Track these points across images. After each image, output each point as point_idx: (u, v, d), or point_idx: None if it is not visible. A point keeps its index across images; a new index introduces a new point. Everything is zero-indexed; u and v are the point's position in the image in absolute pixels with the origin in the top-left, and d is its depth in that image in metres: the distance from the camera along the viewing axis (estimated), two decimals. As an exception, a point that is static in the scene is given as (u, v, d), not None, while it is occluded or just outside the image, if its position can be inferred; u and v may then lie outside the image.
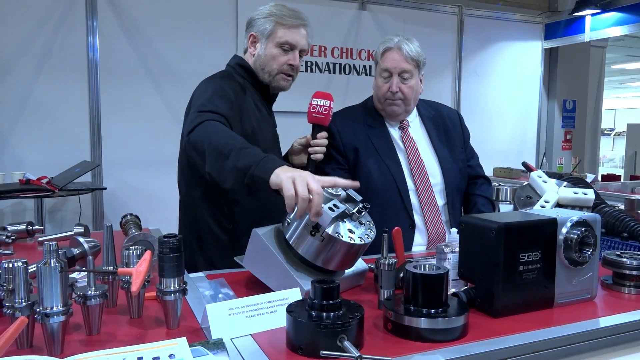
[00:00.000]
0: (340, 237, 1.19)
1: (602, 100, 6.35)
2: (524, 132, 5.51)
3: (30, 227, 1.90)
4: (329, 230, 1.18)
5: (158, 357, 0.88)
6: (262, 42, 1.68)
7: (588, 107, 6.03)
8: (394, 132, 1.90)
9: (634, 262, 1.32)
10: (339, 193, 1.27)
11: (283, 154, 1.87)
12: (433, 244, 1.82)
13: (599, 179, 4.83)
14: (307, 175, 1.16)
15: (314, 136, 1.71)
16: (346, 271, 1.32)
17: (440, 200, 1.85)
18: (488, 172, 5.08)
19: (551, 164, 5.60)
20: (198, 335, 1.04)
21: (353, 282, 1.35)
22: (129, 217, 1.91)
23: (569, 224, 1.20)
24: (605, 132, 13.87)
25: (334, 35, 4.38)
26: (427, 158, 1.88)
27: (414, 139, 1.89)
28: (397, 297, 1.13)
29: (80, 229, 1.81)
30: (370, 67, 4.55)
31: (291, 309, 0.99)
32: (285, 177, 1.15)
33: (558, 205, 1.55)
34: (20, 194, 2.95)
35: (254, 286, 1.32)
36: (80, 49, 3.63)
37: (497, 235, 1.12)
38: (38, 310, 0.92)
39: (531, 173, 1.64)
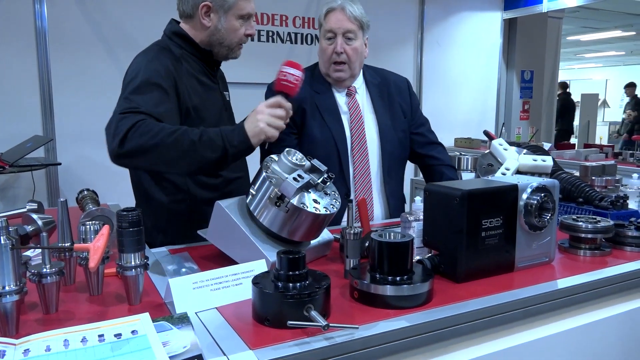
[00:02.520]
0: (305, 208, 1.18)
1: (558, 71, 6.50)
2: (484, 103, 5.59)
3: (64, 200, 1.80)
4: (294, 201, 1.17)
5: (120, 334, 0.86)
6: (220, 14, 1.56)
7: (545, 78, 6.16)
8: (340, 98, 1.88)
9: (589, 226, 1.37)
10: (304, 163, 1.25)
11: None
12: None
13: (555, 147, 4.98)
14: (262, 115, 1.36)
15: None
16: (312, 242, 1.31)
17: (374, 169, 1.85)
18: (449, 142, 5.22)
19: (510, 133, 5.73)
20: (162, 311, 1.02)
21: (319, 252, 1.35)
22: (85, 192, 1.84)
23: (529, 190, 1.23)
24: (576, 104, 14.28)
25: (295, 4, 4.28)
26: (369, 125, 1.87)
27: (360, 105, 1.89)
28: (362, 266, 1.13)
29: (34, 206, 1.73)
30: (332, 37, 4.48)
31: (257, 281, 0.97)
32: (258, 133, 1.34)
33: (518, 172, 1.58)
34: (-32, 170, 2.81)
35: (219, 259, 1.29)
36: (27, 17, 3.41)
37: (461, 203, 1.13)
38: (-11, 290, 0.88)
39: (492, 141, 1.67)
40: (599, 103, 13.29)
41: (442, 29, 5.15)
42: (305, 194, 1.22)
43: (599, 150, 4.47)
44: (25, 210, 1.70)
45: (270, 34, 4.22)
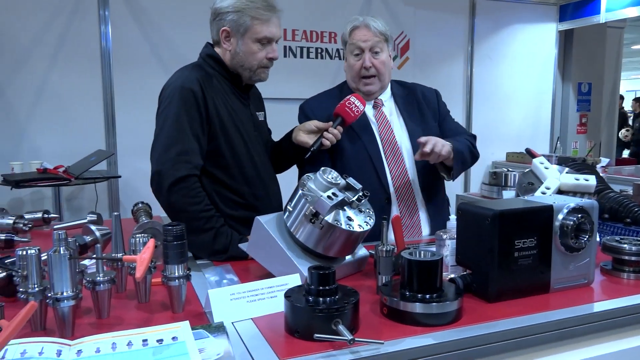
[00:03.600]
0: (339, 225, 1.22)
1: (619, 83, 6.23)
2: (537, 116, 5.44)
3: (46, 215, 1.97)
4: (328, 218, 1.22)
5: (162, 340, 0.93)
6: (237, 38, 1.64)
7: (604, 90, 5.92)
8: (368, 110, 1.92)
9: (633, 248, 1.33)
10: (339, 182, 1.30)
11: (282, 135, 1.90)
12: (406, 218, 1.86)
13: (614, 163, 4.78)
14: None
15: (334, 125, 1.74)
16: (347, 257, 1.35)
17: (412, 173, 1.88)
18: (501, 156, 5.10)
19: (566, 148, 5.54)
20: (202, 319, 1.09)
21: (354, 268, 1.39)
22: (140, 205, 1.97)
23: (565, 211, 1.22)
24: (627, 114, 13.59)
25: (344, 21, 4.35)
26: (399, 134, 1.90)
27: (387, 117, 1.92)
28: (394, 282, 1.16)
29: (93, 217, 1.87)
30: (380, 52, 4.53)
31: (289, 294, 1.03)
32: None
33: (560, 191, 1.56)
34: (38, 182, 3.04)
35: (258, 272, 1.36)
36: (93, 38, 3.68)
37: (492, 223, 1.14)
38: (50, 295, 0.98)
39: (533, 159, 1.65)
40: (668, 115, 12.53)
41: (493, 42, 5.08)
42: (340, 211, 1.27)
43: (662, 166, 4.24)
44: (85, 221, 1.85)
45: (319, 50, 4.32)
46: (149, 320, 1.09)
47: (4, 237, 1.57)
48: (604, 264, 1.40)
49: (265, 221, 1.31)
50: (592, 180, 1.55)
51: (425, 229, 1.89)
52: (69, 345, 0.92)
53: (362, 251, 1.41)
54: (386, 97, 1.96)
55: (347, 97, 1.75)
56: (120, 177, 3.62)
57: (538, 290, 1.21)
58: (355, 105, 1.73)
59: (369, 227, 1.28)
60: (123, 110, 3.79)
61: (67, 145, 3.61)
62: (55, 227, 1.90)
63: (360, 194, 1.32)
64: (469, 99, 4.98)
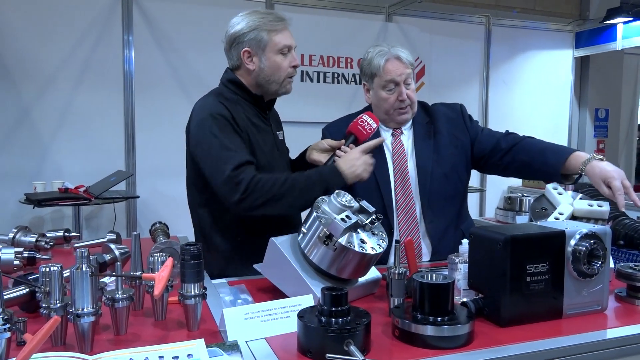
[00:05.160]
0: (352, 247, 1.24)
1: (637, 109, 6.19)
2: (554, 141, 5.40)
3: (67, 234, 2.02)
4: (342, 240, 1.24)
5: (177, 357, 0.96)
6: (259, 55, 1.70)
7: (622, 116, 5.89)
8: (387, 138, 1.93)
9: (648, 275, 1.33)
10: (352, 205, 1.33)
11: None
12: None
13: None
14: (359, 160, 1.65)
15: (347, 143, 1.77)
16: (360, 279, 1.37)
17: (417, 207, 1.87)
18: (516, 182, 5.07)
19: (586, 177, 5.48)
20: (216, 338, 1.11)
21: (367, 290, 1.40)
22: (158, 225, 2.01)
23: (577, 237, 1.22)
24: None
25: (360, 46, 4.40)
26: (412, 165, 1.90)
27: (404, 146, 1.92)
28: (406, 305, 1.17)
29: (113, 236, 1.92)
30: (396, 77, 4.60)
31: (302, 315, 1.05)
32: (356, 175, 1.64)
33: (573, 217, 1.56)
34: (60, 202, 3.12)
35: (272, 292, 1.38)
36: (117, 63, 3.81)
37: (504, 247, 1.15)
38: (71, 311, 1.01)
39: (547, 185, 1.66)
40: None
41: (508, 68, 5.11)
42: (354, 234, 1.29)
43: (682, 193, 4.18)
44: (105, 240, 1.90)
45: (336, 75, 4.39)
46: (165, 337, 1.12)
47: (27, 255, 1.62)
48: (618, 290, 1.39)
49: (280, 242, 1.33)
50: (605, 206, 1.55)
51: (425, 256, 1.88)
52: (88, 360, 0.95)
53: (374, 273, 1.43)
54: (407, 125, 1.96)
55: (360, 115, 1.78)
56: (138, 197, 3.69)
57: (551, 316, 1.22)
58: (368, 124, 1.75)
59: (381, 249, 1.30)
60: (143, 131, 3.89)
61: (88, 165, 3.70)
62: (75, 245, 1.95)
63: (374, 217, 1.34)
64: (484, 124, 4.99)
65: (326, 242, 1.25)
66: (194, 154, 1.69)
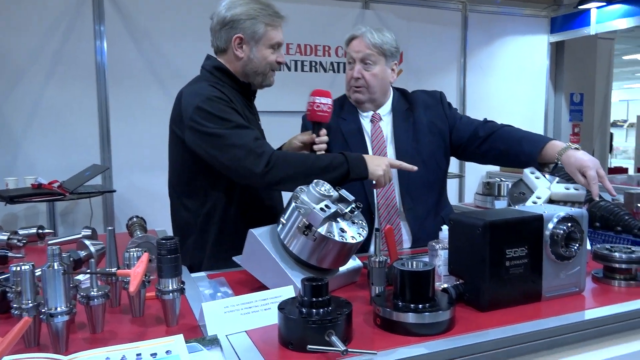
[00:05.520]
0: (332, 237, 1.23)
1: (611, 92, 6.30)
2: (530, 126, 5.40)
3: (40, 231, 1.97)
4: (321, 230, 1.23)
5: (155, 354, 0.94)
6: (251, 45, 1.66)
7: (596, 100, 5.99)
8: (366, 125, 1.94)
9: (624, 256, 1.35)
10: (331, 194, 1.31)
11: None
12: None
13: (607, 172, 4.81)
14: (385, 165, 1.62)
15: (317, 133, 1.75)
16: (340, 269, 1.36)
17: (397, 195, 1.88)
18: (496, 168, 5.13)
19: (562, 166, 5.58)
20: (196, 332, 1.09)
21: (348, 279, 1.39)
22: (134, 219, 1.97)
23: (555, 220, 1.23)
24: (618, 123, 13.70)
25: (338, 34, 4.39)
26: (391, 152, 1.90)
27: (383, 132, 1.93)
28: (387, 293, 1.17)
29: (88, 232, 1.88)
30: (374, 65, 4.59)
31: (282, 306, 1.03)
32: (377, 176, 1.61)
33: (551, 201, 1.58)
34: (33, 198, 3.04)
35: (253, 285, 1.37)
36: (89, 54, 3.71)
37: (483, 233, 1.16)
38: (43, 310, 0.98)
39: (524, 169, 1.67)
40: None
41: (485, 53, 5.15)
42: (333, 223, 1.28)
43: (655, 175, 4.28)
44: (80, 236, 1.85)
45: (314, 64, 4.36)
46: (143, 334, 1.09)
47: (-2, 253, 1.57)
48: (595, 272, 1.41)
49: (259, 233, 1.32)
50: (582, 189, 1.57)
51: (406, 244, 1.89)
52: (63, 360, 0.92)
53: (355, 262, 1.42)
54: (385, 111, 1.96)
55: (311, 100, 1.74)
56: (115, 191, 3.62)
57: (530, 299, 1.23)
58: (323, 104, 1.72)
59: (362, 238, 1.29)
60: (118, 124, 3.81)
61: (62, 160, 3.62)
62: (49, 242, 1.90)
63: (353, 205, 1.33)
64: (462, 110, 5.02)
65: (305, 233, 1.23)
66: (197, 143, 1.58)
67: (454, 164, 5.01)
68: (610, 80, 6.23)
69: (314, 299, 1.01)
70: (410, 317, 1.05)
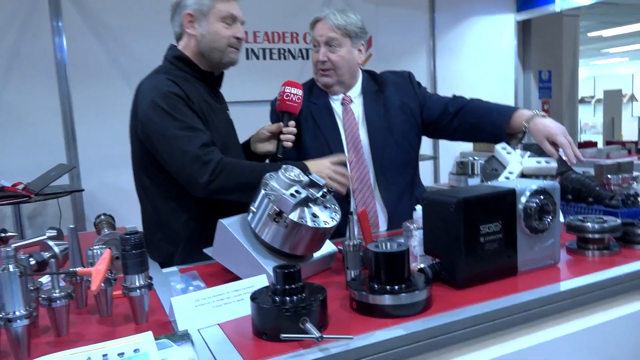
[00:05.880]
0: (304, 222, 1.20)
1: (577, 69, 6.39)
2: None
3: (3, 234, 1.89)
4: (292, 216, 1.20)
5: (123, 353, 0.89)
6: (201, 20, 1.61)
7: (564, 77, 6.07)
8: (337, 107, 1.92)
9: (596, 226, 1.35)
10: (301, 179, 1.28)
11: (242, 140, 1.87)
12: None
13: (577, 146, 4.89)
14: (327, 169, 1.56)
15: (285, 124, 1.72)
16: (315, 254, 1.34)
17: (371, 175, 1.87)
18: (468, 146, 5.16)
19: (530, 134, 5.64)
20: (167, 329, 1.05)
21: (323, 264, 1.37)
22: (102, 217, 1.91)
23: (527, 193, 1.22)
24: (586, 99, 13.97)
25: (305, 20, 4.31)
26: (363, 133, 1.89)
27: (354, 114, 1.91)
28: (363, 276, 1.15)
29: (53, 233, 1.80)
30: (343, 50, 4.55)
31: (255, 296, 1.00)
32: (325, 180, 1.43)
33: (523, 175, 1.57)
34: (-4, 201, 2.93)
35: (226, 277, 1.33)
36: (47, 51, 3.57)
37: (457, 210, 1.14)
38: (1, 316, 0.93)
39: (495, 145, 1.66)
40: (626, 98, 12.98)
41: (454, 35, 5.15)
42: (306, 208, 1.25)
43: (621, 147, 4.37)
44: (45, 237, 1.78)
45: (282, 51, 4.30)
46: (111, 334, 1.05)
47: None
48: (569, 243, 1.42)
49: (229, 223, 1.28)
50: (553, 162, 1.57)
51: (382, 225, 1.88)
52: (24, 366, 0.87)
53: (330, 247, 1.39)
54: (355, 93, 1.94)
55: (282, 89, 1.72)
56: (83, 190, 3.52)
57: (506, 274, 1.22)
58: (293, 94, 1.70)
59: (335, 222, 1.26)
60: (83, 122, 3.69)
61: (26, 161, 3.49)
62: (13, 245, 1.82)
63: (325, 190, 1.30)
64: (433, 92, 5.03)
65: (277, 220, 1.20)
66: (147, 138, 1.56)
67: (427, 145, 5.04)
68: (577, 56, 6.32)
69: (287, 287, 0.98)
70: (386, 299, 1.03)
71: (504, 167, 1.60)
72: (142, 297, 1.07)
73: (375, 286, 1.06)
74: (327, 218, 1.26)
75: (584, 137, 11.15)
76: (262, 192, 1.23)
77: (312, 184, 1.30)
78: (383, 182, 1.87)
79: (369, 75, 1.99)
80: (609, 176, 2.13)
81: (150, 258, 1.61)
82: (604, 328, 1.14)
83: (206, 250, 1.35)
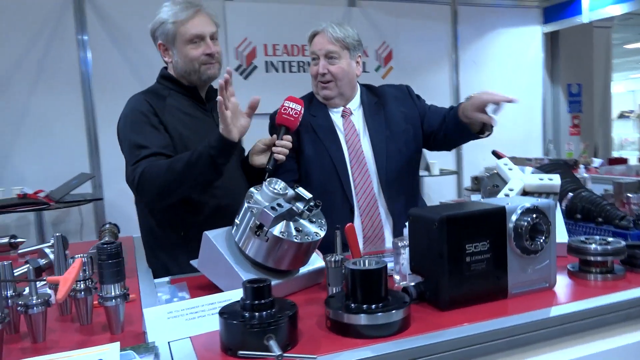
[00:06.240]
0: (284, 237, 1.18)
1: (610, 82, 6.19)
2: (529, 119, 5.41)
3: (12, 240, 1.95)
4: (273, 230, 1.18)
5: (86, 363, 0.89)
6: (171, 48, 1.69)
7: (595, 90, 5.88)
8: (337, 120, 1.91)
9: (599, 248, 1.29)
10: (286, 192, 1.26)
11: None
12: (368, 229, 1.83)
13: (607, 163, 4.72)
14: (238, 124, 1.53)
15: (279, 137, 1.71)
16: (303, 269, 1.31)
17: (376, 185, 1.85)
18: (492, 162, 5.04)
19: (560, 150, 5.48)
20: (141, 339, 1.05)
21: (310, 280, 1.34)
22: (107, 226, 1.94)
23: (518, 212, 1.17)
24: (625, 114, 13.48)
25: (325, 33, 4.37)
26: (365, 144, 1.88)
27: (355, 126, 1.90)
28: (342, 293, 1.12)
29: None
30: (364, 62, 4.53)
31: (223, 311, 0.99)
32: (229, 131, 1.47)
33: (525, 193, 1.52)
34: (17, 208, 3.02)
35: (213, 289, 1.32)
36: (72, 63, 3.70)
37: (439, 227, 1.10)
38: (-27, 321, 0.94)
39: (497, 160, 1.61)
40: (668, 113, 12.48)
41: (477, 48, 5.07)
42: (290, 222, 1.23)
43: (654, 165, 4.19)
44: (50, 244, 1.82)
45: (301, 64, 4.32)
46: (86, 342, 1.05)
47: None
48: (571, 266, 1.35)
49: (213, 236, 1.27)
50: (556, 179, 1.50)
51: (389, 241, 1.84)
52: (-11, 373, 0.88)
53: (318, 262, 1.37)
54: (355, 105, 1.94)
55: (282, 103, 1.73)
56: (101, 199, 3.60)
57: (496, 296, 1.17)
58: (292, 109, 1.70)
59: (318, 237, 1.24)
60: (106, 132, 3.79)
61: (50, 170, 3.60)
62: (20, 251, 1.88)
63: (312, 203, 1.28)
64: (457, 106, 4.96)
65: (258, 233, 1.19)
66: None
67: (450, 160, 4.95)
68: (610, 69, 6.12)
69: (256, 302, 0.96)
70: (360, 319, 1.00)
71: (506, 184, 1.55)
72: (117, 307, 1.07)
73: (351, 305, 1.03)
74: (311, 232, 1.24)
75: (622, 154, 10.72)
76: (245, 204, 1.23)
77: (298, 198, 1.29)
78: (387, 192, 1.85)
79: (367, 88, 2.01)
80: (629, 195, 2.04)
81: (150, 267, 1.64)
82: (601, 358, 1.08)
83: (193, 262, 1.35)
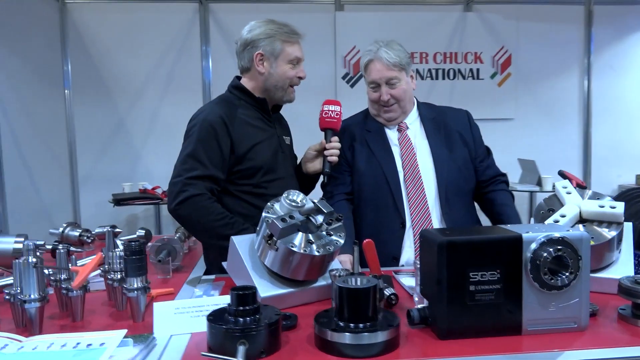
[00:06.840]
0: (292, 247, 1.22)
1: None
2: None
3: (113, 230, 2.25)
4: (282, 240, 1.22)
5: (91, 344, 1.03)
6: (271, 61, 1.76)
7: None
8: (392, 134, 1.90)
9: (655, 291, 1.11)
10: (303, 204, 1.30)
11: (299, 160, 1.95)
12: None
13: None
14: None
15: (327, 140, 1.78)
16: (320, 282, 1.33)
17: (431, 200, 1.79)
18: (629, 179, 4.47)
19: None
20: (152, 330, 1.16)
21: (325, 293, 1.35)
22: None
23: (539, 241, 1.07)
24: None
25: (437, 40, 4.25)
26: (423, 157, 1.84)
27: (411, 139, 1.87)
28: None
29: (142, 233, 2.09)
30: (478, 69, 4.32)
31: (212, 314, 1.06)
32: None
33: (582, 219, 1.36)
34: (135, 201, 3.45)
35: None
36: (196, 73, 4.12)
37: (439, 252, 1.05)
38: (19, 297, 1.13)
39: (556, 183, 1.46)
40: None
41: (616, 51, 4.51)
42: (302, 234, 1.26)
43: None
44: (135, 236, 2.07)
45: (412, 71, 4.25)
46: (112, 325, 1.20)
47: (50, 247, 1.83)
48: (622, 308, 1.18)
49: (238, 242, 1.35)
50: (619, 207, 1.32)
51: None
52: (20, 341, 1.06)
53: (338, 276, 1.37)
54: (411, 119, 1.91)
55: (321, 108, 1.79)
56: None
57: (506, 331, 1.08)
58: (332, 111, 1.77)
59: (330, 251, 1.25)
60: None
61: (171, 168, 4.03)
62: (116, 240, 2.15)
63: (332, 217, 1.30)
64: (586, 116, 4.47)
65: (269, 242, 1.24)
66: None
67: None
68: None
69: (240, 308, 1.02)
70: (345, 337, 1.00)
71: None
72: (138, 298, 1.20)
73: (340, 323, 1.03)
74: (324, 246, 1.26)
75: None
76: (263, 214, 1.29)
77: (318, 211, 1.31)
78: (445, 206, 1.80)
79: (425, 104, 1.98)
80: None
81: (206, 263, 1.80)
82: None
83: (224, 264, 1.45)
